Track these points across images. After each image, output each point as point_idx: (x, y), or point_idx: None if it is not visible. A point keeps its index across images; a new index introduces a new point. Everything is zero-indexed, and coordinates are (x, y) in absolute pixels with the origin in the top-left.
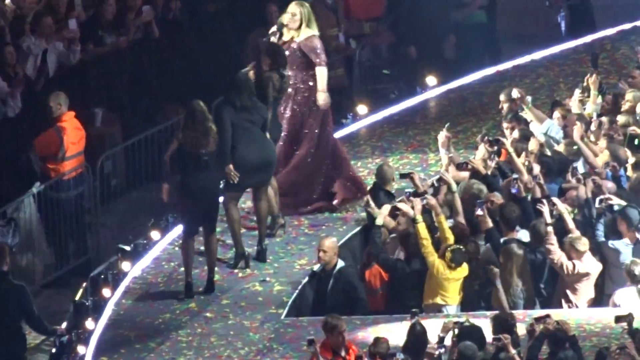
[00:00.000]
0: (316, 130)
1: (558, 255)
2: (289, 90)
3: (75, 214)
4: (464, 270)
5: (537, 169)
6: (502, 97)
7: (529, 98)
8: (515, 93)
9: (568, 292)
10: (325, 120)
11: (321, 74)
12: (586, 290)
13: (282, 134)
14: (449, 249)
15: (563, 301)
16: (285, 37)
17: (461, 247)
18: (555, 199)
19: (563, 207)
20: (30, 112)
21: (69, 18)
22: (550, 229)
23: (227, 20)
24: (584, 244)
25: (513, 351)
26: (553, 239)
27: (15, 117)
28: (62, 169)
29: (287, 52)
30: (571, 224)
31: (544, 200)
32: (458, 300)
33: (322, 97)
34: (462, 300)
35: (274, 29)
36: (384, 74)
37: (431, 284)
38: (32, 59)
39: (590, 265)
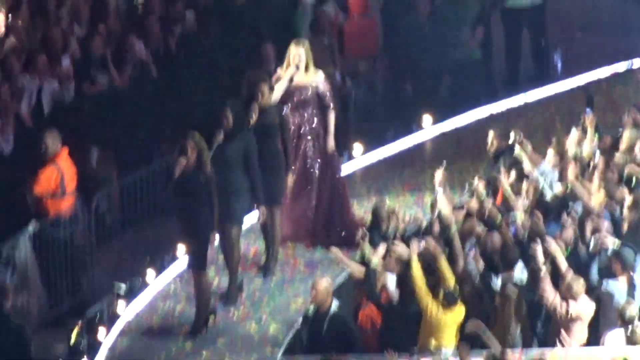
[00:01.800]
0: (337, 175)
1: (552, 296)
2: (307, 134)
3: (70, 253)
4: (460, 312)
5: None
6: (491, 134)
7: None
8: (513, 136)
9: (562, 331)
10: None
11: (332, 118)
12: (580, 331)
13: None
14: (442, 289)
15: (558, 342)
16: (297, 79)
17: (455, 288)
18: (549, 239)
19: (556, 248)
20: (24, 151)
21: (62, 55)
22: (543, 269)
23: (222, 59)
24: (581, 285)
25: None
26: (547, 280)
27: (8, 155)
28: (61, 206)
29: (299, 94)
30: (564, 265)
31: (538, 240)
32: (454, 344)
33: (333, 142)
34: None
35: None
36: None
37: (426, 327)
38: (27, 97)
39: (585, 307)
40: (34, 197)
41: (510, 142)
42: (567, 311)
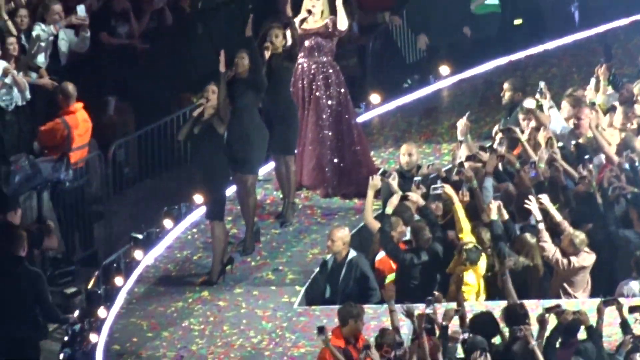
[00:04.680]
0: (353, 122)
1: (552, 251)
2: (319, 79)
3: (80, 205)
4: (483, 262)
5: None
6: (505, 85)
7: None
8: (530, 103)
9: (565, 285)
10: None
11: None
12: (582, 281)
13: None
14: (464, 247)
15: (561, 293)
16: (309, 25)
17: (476, 245)
18: (543, 196)
19: (549, 204)
20: (42, 100)
21: (78, 4)
22: (541, 225)
23: (237, 10)
24: (582, 240)
25: (533, 342)
26: (545, 235)
27: (27, 104)
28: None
29: (313, 40)
30: (559, 218)
31: (531, 197)
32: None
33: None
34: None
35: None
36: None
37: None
38: (43, 47)
39: (585, 259)
40: (40, 148)
41: (538, 90)
42: (569, 263)
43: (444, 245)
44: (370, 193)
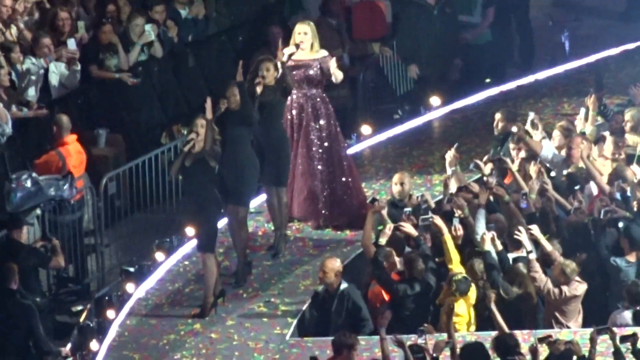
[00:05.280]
0: (343, 153)
1: (543, 281)
2: (308, 111)
3: (75, 238)
4: (472, 295)
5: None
6: (498, 116)
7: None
8: (514, 128)
9: (557, 314)
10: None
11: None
12: (574, 311)
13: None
14: (453, 278)
15: (553, 323)
16: (299, 57)
17: (466, 276)
18: (533, 226)
19: (539, 234)
20: (33, 133)
21: (69, 38)
22: (532, 256)
23: (228, 41)
24: (573, 269)
25: None
26: (536, 265)
27: (16, 138)
28: None
29: (302, 72)
30: (549, 247)
31: (521, 229)
32: (472, 324)
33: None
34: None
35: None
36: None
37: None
38: (33, 80)
39: (577, 288)
40: None
41: (529, 120)
42: (560, 293)
43: (437, 276)
44: (370, 217)
